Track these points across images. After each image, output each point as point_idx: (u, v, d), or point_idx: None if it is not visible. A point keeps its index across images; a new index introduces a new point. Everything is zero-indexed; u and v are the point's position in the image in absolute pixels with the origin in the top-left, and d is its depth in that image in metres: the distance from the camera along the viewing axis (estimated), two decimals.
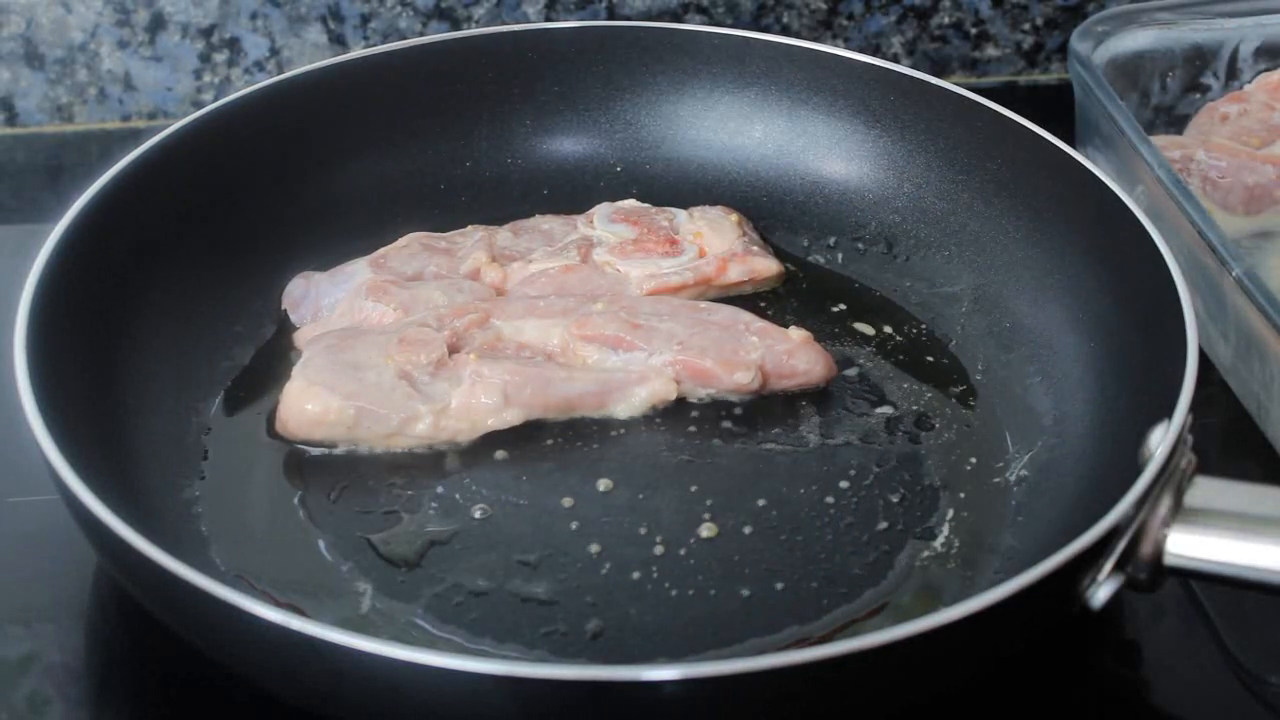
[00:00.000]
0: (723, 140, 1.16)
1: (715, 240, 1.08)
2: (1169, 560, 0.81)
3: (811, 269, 1.11)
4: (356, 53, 1.17)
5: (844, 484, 0.95)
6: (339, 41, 1.31)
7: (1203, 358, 0.90)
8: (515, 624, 0.86)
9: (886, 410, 1.00)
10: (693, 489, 0.94)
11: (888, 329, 1.06)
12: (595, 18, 1.33)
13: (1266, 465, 0.99)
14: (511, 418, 0.96)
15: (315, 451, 0.95)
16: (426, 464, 0.95)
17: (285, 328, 1.04)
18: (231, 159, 1.06)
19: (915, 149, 1.11)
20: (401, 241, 1.07)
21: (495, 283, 1.05)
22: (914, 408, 1.00)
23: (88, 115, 1.31)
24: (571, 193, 1.14)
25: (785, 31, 1.35)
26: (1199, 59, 1.23)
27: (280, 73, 1.27)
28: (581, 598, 0.87)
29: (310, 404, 0.94)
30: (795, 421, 0.99)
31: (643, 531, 0.91)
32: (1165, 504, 0.81)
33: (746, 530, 0.92)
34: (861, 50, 1.28)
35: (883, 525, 0.92)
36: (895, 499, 0.94)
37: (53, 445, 0.81)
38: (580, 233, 1.09)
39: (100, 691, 0.88)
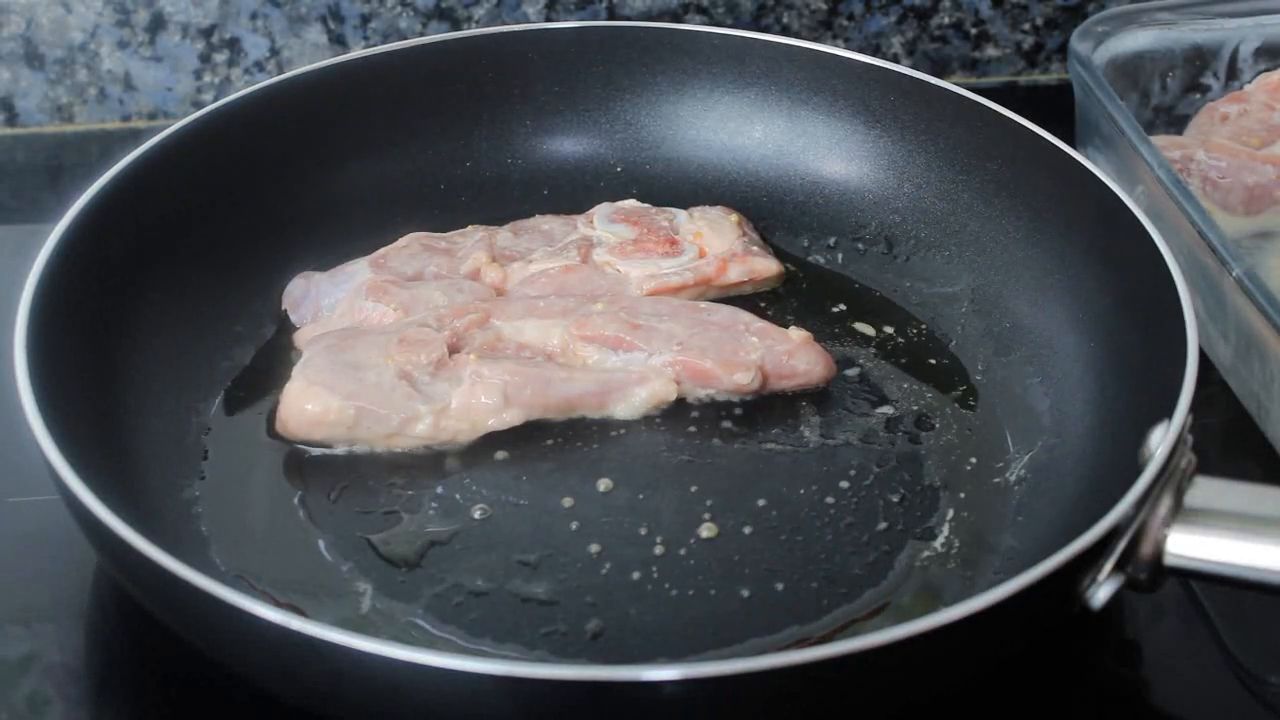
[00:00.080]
0: (723, 140, 1.16)
1: (715, 240, 1.08)
2: (1169, 560, 0.81)
3: (811, 269, 1.11)
4: (356, 53, 1.17)
5: (844, 484, 0.95)
6: (339, 41, 1.31)
7: (1203, 358, 0.90)
8: (515, 624, 0.86)
9: (886, 410, 1.00)
10: (693, 489, 0.94)
11: (888, 329, 1.06)
12: (595, 18, 1.33)
13: (1266, 465, 0.99)
14: (511, 418, 0.96)
15: (315, 451, 0.95)
16: (426, 464, 0.95)
17: (285, 328, 1.04)
18: (231, 159, 1.06)
19: (915, 149, 1.11)
20: (401, 241, 1.07)
21: (495, 283, 1.05)
22: (914, 408, 1.00)
23: (88, 115, 1.31)
24: (571, 193, 1.14)
25: (785, 32, 1.35)
26: (1199, 59, 1.23)
27: (280, 73, 1.27)
28: (581, 598, 0.87)
29: (310, 404, 0.94)
30: (795, 421, 0.99)
31: (643, 531, 0.91)
32: (1165, 504, 0.81)
33: (746, 530, 0.92)
34: (861, 50, 1.28)
35: (883, 525, 0.92)
36: (895, 499, 0.94)
37: (53, 445, 0.81)
38: (580, 233, 1.09)
39: (100, 691, 0.88)
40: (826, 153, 1.14)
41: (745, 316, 1.03)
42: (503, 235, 1.09)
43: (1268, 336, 0.97)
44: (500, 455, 0.96)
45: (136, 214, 0.99)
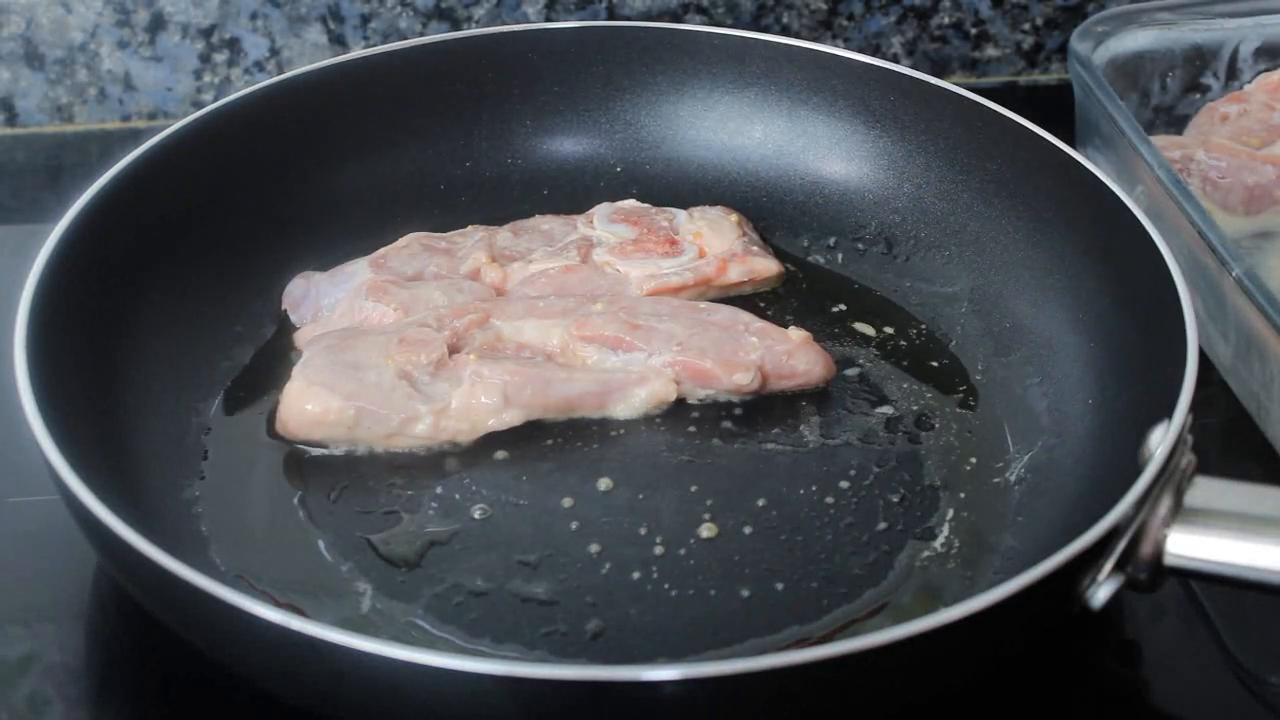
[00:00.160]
0: (723, 140, 1.16)
1: (715, 240, 1.08)
2: (1169, 560, 0.81)
3: (811, 269, 1.11)
4: (356, 53, 1.17)
5: (844, 484, 0.95)
6: (339, 41, 1.31)
7: (1203, 358, 0.90)
8: (515, 624, 0.86)
9: (886, 410, 1.00)
10: (693, 489, 0.94)
11: (888, 329, 1.06)
12: (595, 18, 1.33)
13: (1266, 465, 0.99)
14: (511, 418, 0.96)
15: (315, 451, 0.95)
16: (426, 464, 0.95)
17: (285, 328, 1.04)
18: (231, 159, 1.06)
19: (915, 149, 1.11)
20: (401, 241, 1.07)
21: (495, 283, 1.05)
22: (914, 408, 1.00)
23: (88, 115, 1.31)
24: (571, 193, 1.14)
25: (785, 32, 1.35)
26: (1199, 59, 1.23)
27: (280, 73, 1.27)
28: (581, 598, 0.87)
29: (310, 404, 0.94)
30: (795, 421, 0.99)
31: (643, 531, 0.91)
32: (1165, 504, 0.81)
33: (746, 530, 0.92)
34: (861, 50, 1.28)
35: (883, 525, 0.92)
36: (895, 499, 0.94)
37: (53, 445, 0.81)
38: (580, 233, 1.09)
39: (100, 691, 0.88)
40: (826, 153, 1.14)
41: (745, 316, 1.03)
42: (503, 235, 1.09)
43: (1268, 336, 0.97)
44: (500, 455, 0.96)
45: (136, 214, 0.99)
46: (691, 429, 0.98)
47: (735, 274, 1.07)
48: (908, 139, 1.12)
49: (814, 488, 0.95)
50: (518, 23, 1.32)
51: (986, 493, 0.95)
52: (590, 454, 0.96)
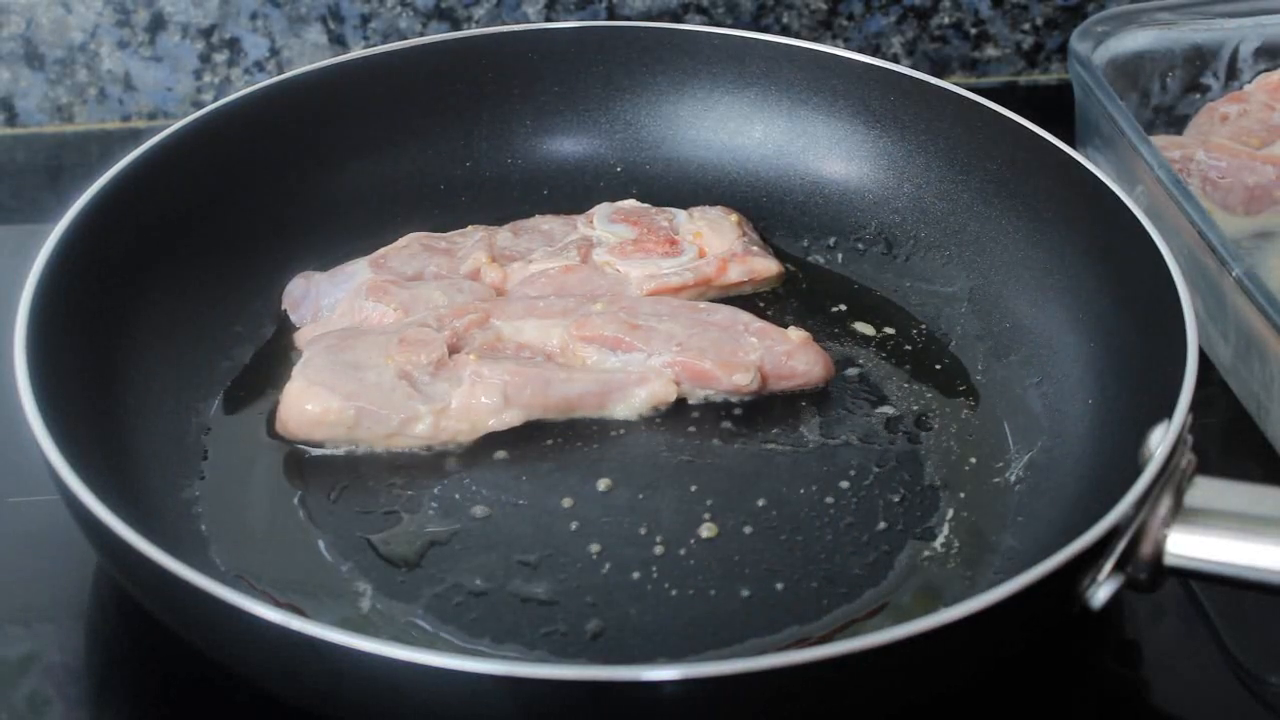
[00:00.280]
0: (723, 140, 1.16)
1: (715, 240, 1.08)
2: (1169, 560, 0.81)
3: (811, 269, 1.11)
4: (356, 53, 1.17)
5: (844, 484, 0.95)
6: (339, 41, 1.31)
7: (1203, 358, 0.90)
8: (515, 624, 0.86)
9: (886, 410, 1.00)
10: (693, 489, 0.94)
11: (888, 329, 1.06)
12: (595, 18, 1.33)
13: (1266, 465, 0.99)
14: (511, 418, 0.96)
15: (315, 451, 0.95)
16: (426, 464, 0.95)
17: (285, 328, 1.04)
18: (231, 159, 1.06)
19: (915, 149, 1.11)
20: (401, 241, 1.07)
21: (495, 283, 1.05)
22: (914, 408, 1.00)
23: (88, 115, 1.31)
24: (571, 193, 1.14)
25: (785, 32, 1.35)
26: (1199, 59, 1.23)
27: (280, 73, 1.27)
28: (581, 598, 0.87)
29: (310, 404, 0.94)
30: (795, 421, 0.99)
31: (643, 531, 0.91)
32: (1165, 504, 0.81)
33: (746, 530, 0.92)
34: (861, 50, 1.28)
35: (883, 525, 0.92)
36: (895, 499, 0.94)
37: (53, 445, 0.81)
38: (580, 233, 1.09)
39: (100, 691, 0.88)
40: (826, 153, 1.14)
41: (745, 317, 1.03)
42: (503, 235, 1.09)
43: (1268, 336, 0.97)
44: (500, 455, 0.96)
45: (136, 214, 0.99)
46: (691, 429, 0.98)
47: (735, 274, 1.07)
48: (908, 139, 1.12)
49: (814, 488, 0.95)
50: (518, 23, 1.32)
51: (986, 493, 0.95)
52: (590, 454, 0.96)
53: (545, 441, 0.97)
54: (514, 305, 1.02)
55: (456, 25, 1.32)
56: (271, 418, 0.97)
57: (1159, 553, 0.81)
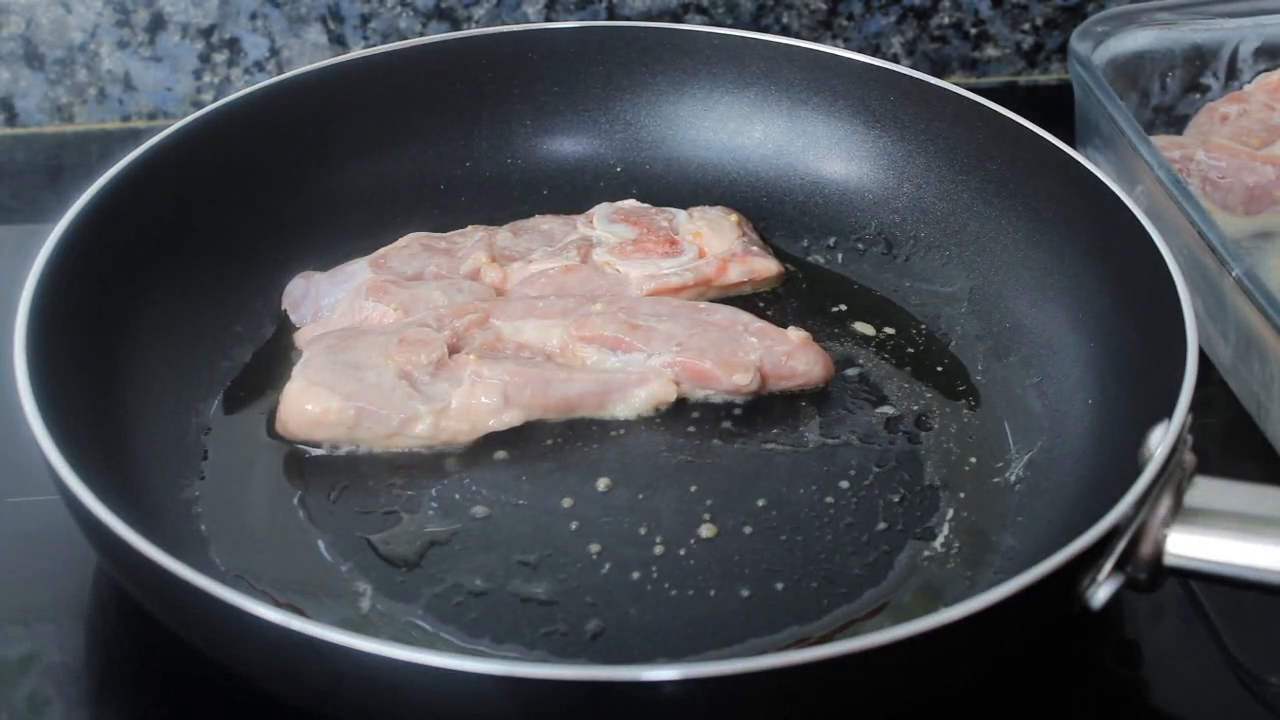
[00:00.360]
0: (723, 140, 1.16)
1: (715, 240, 1.08)
2: (1169, 560, 0.81)
3: (811, 269, 1.11)
4: (356, 53, 1.17)
5: (844, 484, 0.95)
6: (339, 41, 1.31)
7: (1203, 358, 0.90)
8: (515, 624, 0.86)
9: (886, 410, 1.00)
10: (693, 489, 0.94)
11: (888, 329, 1.06)
12: (595, 18, 1.33)
13: (1266, 465, 0.99)
14: (511, 418, 0.96)
15: (315, 451, 0.95)
16: (426, 464, 0.95)
17: (285, 328, 1.04)
18: (231, 159, 1.06)
19: (915, 149, 1.11)
20: (401, 241, 1.07)
21: (495, 283, 1.05)
22: (914, 408, 1.00)
23: (88, 115, 1.31)
24: (571, 193, 1.14)
25: (785, 32, 1.35)
26: (1199, 59, 1.23)
27: (280, 73, 1.27)
28: (581, 598, 0.87)
29: (310, 404, 0.94)
30: (795, 421, 0.99)
31: (643, 531, 0.91)
32: (1165, 504, 0.81)
33: (746, 530, 0.92)
34: (861, 50, 1.28)
35: (883, 525, 0.92)
36: (895, 499, 0.94)
37: (53, 445, 0.81)
38: (580, 233, 1.09)
39: (100, 691, 0.88)
40: (826, 153, 1.14)
41: (744, 317, 1.03)
42: (503, 235, 1.09)
43: (1268, 336, 0.97)
44: (500, 455, 0.96)
45: (136, 214, 0.99)
46: (691, 429, 0.98)
47: (735, 274, 1.07)
48: (908, 139, 1.12)
49: (814, 488, 0.95)
50: (518, 23, 1.32)
51: (986, 493, 0.95)
52: (590, 454, 0.96)
53: (545, 441, 0.97)
54: (514, 305, 1.02)
55: (456, 25, 1.32)
56: (271, 418, 0.97)
57: (1159, 553, 0.81)
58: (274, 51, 1.31)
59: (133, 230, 0.99)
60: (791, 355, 1.00)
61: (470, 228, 1.10)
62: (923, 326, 1.07)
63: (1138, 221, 0.96)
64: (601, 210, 1.11)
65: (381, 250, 1.07)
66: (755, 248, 1.09)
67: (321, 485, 0.94)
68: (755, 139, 1.15)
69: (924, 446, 0.98)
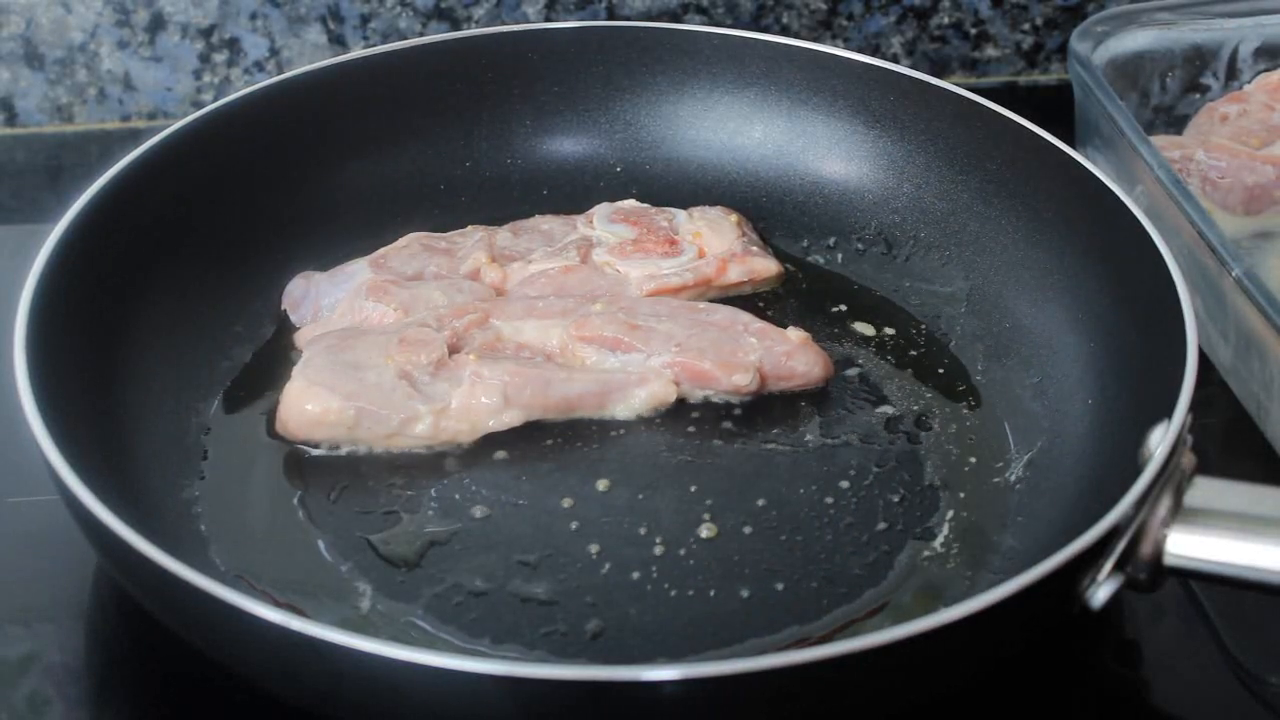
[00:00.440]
0: (723, 140, 1.16)
1: (715, 241, 1.08)
2: (1169, 560, 0.81)
3: (811, 269, 1.11)
4: (356, 53, 1.17)
5: (844, 484, 0.95)
6: (339, 41, 1.31)
7: (1203, 358, 0.90)
8: (515, 624, 0.86)
9: (886, 410, 1.00)
10: (693, 489, 0.94)
11: (888, 329, 1.06)
12: (595, 18, 1.33)
13: (1266, 465, 0.99)
14: (511, 419, 0.96)
15: (315, 451, 0.95)
16: (426, 464, 0.95)
17: (285, 328, 1.04)
18: (231, 159, 1.06)
19: (915, 149, 1.11)
20: (401, 241, 1.07)
21: (495, 283, 1.05)
22: (914, 408, 1.00)
23: (88, 115, 1.31)
24: (571, 193, 1.14)
25: (785, 32, 1.35)
26: (1199, 59, 1.23)
27: (280, 73, 1.27)
28: (581, 598, 0.87)
29: (310, 404, 0.94)
30: (795, 421, 0.99)
31: (642, 531, 0.91)
32: (1165, 504, 0.81)
33: (746, 530, 0.92)
34: (861, 50, 1.28)
35: (882, 525, 0.92)
36: (895, 499, 0.94)
37: (53, 445, 0.81)
38: (580, 233, 1.09)
39: (100, 691, 0.88)
40: (826, 153, 1.14)
41: (744, 317, 1.03)
42: (502, 235, 1.09)
43: (1268, 336, 0.97)
44: (500, 455, 0.96)
45: (136, 214, 0.99)
46: (691, 429, 0.98)
47: (735, 274, 1.07)
48: (908, 139, 1.12)
49: (814, 488, 0.95)
50: (518, 23, 1.32)
51: (986, 493, 0.95)
52: (590, 454, 0.96)
53: (545, 441, 0.97)
54: (514, 305, 1.02)
55: (456, 25, 1.32)
56: (271, 418, 0.97)
57: (1159, 553, 0.81)
58: (274, 51, 1.31)
59: (133, 230, 0.99)
60: (791, 355, 1.00)
61: (470, 228, 1.10)
62: (923, 326, 1.07)
63: (1138, 221, 0.96)
64: (601, 210, 1.11)
65: (381, 250, 1.07)
66: (755, 248, 1.09)
67: (321, 485, 0.94)
68: (755, 139, 1.15)
69: (924, 446, 0.98)
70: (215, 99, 1.27)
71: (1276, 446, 1.00)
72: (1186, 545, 0.81)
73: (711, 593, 0.88)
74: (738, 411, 0.99)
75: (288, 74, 1.11)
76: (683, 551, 0.90)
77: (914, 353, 1.04)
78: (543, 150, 1.16)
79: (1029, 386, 1.00)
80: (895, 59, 1.37)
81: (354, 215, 1.10)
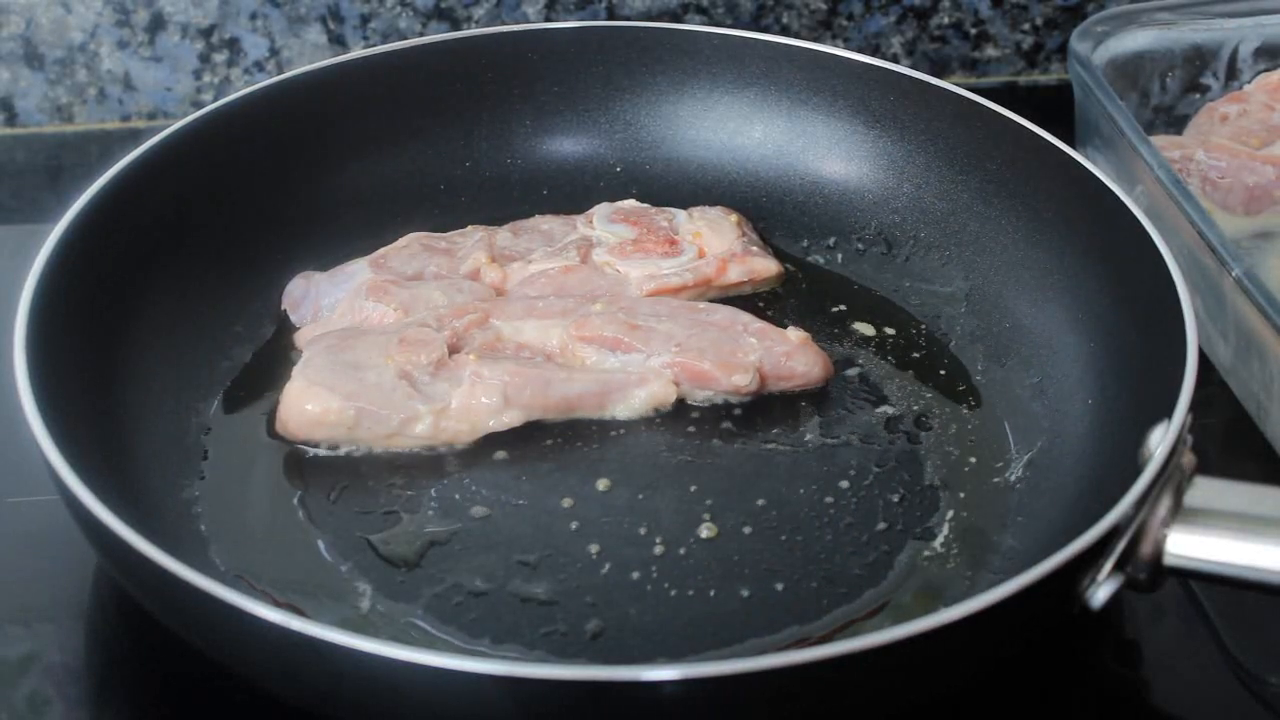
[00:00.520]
0: (723, 140, 1.16)
1: (715, 241, 1.08)
2: (1169, 560, 0.81)
3: (811, 269, 1.11)
4: (356, 53, 1.17)
5: (844, 484, 0.95)
6: (339, 41, 1.31)
7: (1203, 358, 0.90)
8: (515, 624, 0.86)
9: (886, 410, 1.00)
10: (693, 489, 0.94)
11: (888, 329, 1.06)
12: (595, 18, 1.33)
13: (1266, 465, 0.99)
14: (511, 419, 0.96)
15: (315, 451, 0.95)
16: (426, 464, 0.95)
17: (285, 328, 1.04)
18: (231, 159, 1.06)
19: (915, 149, 1.11)
20: (401, 241, 1.07)
21: (495, 283, 1.05)
22: (914, 408, 1.00)
23: (88, 115, 1.31)
24: (571, 193, 1.14)
25: (785, 32, 1.35)
26: (1199, 59, 1.23)
27: (280, 73, 1.27)
28: (581, 598, 0.87)
29: (310, 404, 0.94)
30: (795, 421, 0.99)
31: (642, 531, 0.91)
32: (1165, 504, 0.81)
33: (746, 530, 0.92)
34: (861, 50, 1.28)
35: (882, 525, 0.92)
36: (895, 499, 0.94)
37: (53, 445, 0.81)
38: (580, 233, 1.09)
39: (100, 691, 0.88)
40: (826, 153, 1.14)
41: (744, 317, 1.03)
42: (502, 235, 1.09)
43: (1268, 336, 0.97)
44: (500, 455, 0.96)
45: (136, 214, 0.99)
46: (691, 429, 0.98)
47: (735, 274, 1.07)
48: (908, 139, 1.12)
49: (814, 488, 0.95)
50: (518, 23, 1.32)
51: (986, 493, 0.95)
52: (590, 454, 0.96)
53: (545, 441, 0.97)
54: (514, 305, 1.02)
55: (456, 25, 1.32)
56: (271, 418, 0.97)
57: (1159, 553, 0.81)
58: (274, 51, 1.31)
59: (133, 230, 0.99)
60: (791, 356, 1.00)
61: (470, 228, 1.10)
62: (923, 326, 1.07)
63: (1138, 221, 0.96)
64: (601, 210, 1.11)
65: (381, 250, 1.07)
66: (755, 248, 1.09)
67: (321, 485, 0.94)
68: (755, 139, 1.15)
69: (924, 446, 0.98)
70: (215, 99, 1.27)
71: (1276, 446, 1.00)
72: (1186, 545, 0.81)
73: (711, 593, 0.88)
74: (738, 411, 0.99)
75: (288, 74, 1.11)
76: (683, 551, 0.90)
77: (914, 353, 1.04)
78: (543, 150, 1.16)
79: (1029, 386, 1.00)
80: (895, 59, 1.37)
81: (354, 215, 1.10)
